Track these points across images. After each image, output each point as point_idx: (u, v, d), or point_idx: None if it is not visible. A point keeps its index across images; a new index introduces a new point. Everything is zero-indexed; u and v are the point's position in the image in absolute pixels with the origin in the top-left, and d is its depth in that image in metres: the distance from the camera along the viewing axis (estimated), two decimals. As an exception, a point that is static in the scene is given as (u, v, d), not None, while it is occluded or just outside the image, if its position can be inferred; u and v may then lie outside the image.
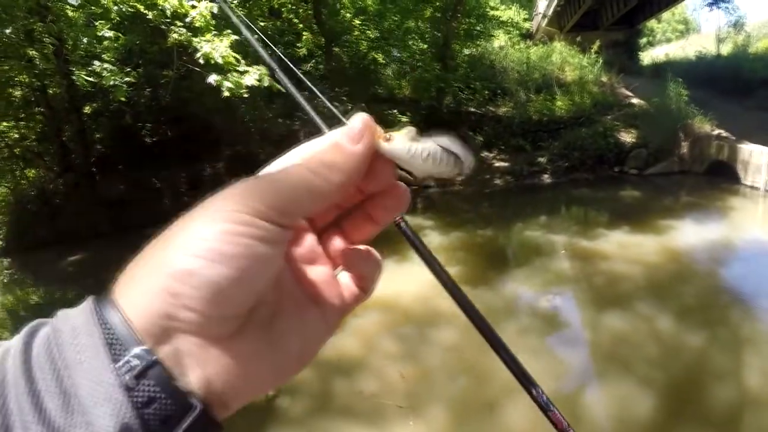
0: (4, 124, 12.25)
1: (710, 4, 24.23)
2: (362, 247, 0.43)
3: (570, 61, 18.37)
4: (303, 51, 14.45)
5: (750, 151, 11.44)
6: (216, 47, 6.92)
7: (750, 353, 5.29)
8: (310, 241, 0.42)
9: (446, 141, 0.39)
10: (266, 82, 7.11)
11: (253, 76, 7.06)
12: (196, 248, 0.31)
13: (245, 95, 7.29)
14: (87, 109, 12.93)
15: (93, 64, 8.52)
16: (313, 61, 15.00)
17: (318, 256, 0.42)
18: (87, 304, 0.33)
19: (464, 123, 15.44)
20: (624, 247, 8.23)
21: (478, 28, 16.73)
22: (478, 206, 12.70)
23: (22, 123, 12.66)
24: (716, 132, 13.20)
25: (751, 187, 11.26)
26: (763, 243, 8.80)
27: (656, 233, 8.91)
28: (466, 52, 17.35)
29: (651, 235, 8.82)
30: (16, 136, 12.76)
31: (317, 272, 0.41)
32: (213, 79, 6.80)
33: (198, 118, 12.77)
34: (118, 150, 13.16)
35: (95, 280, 9.74)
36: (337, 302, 0.41)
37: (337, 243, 0.43)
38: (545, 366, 5.16)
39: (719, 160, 12.40)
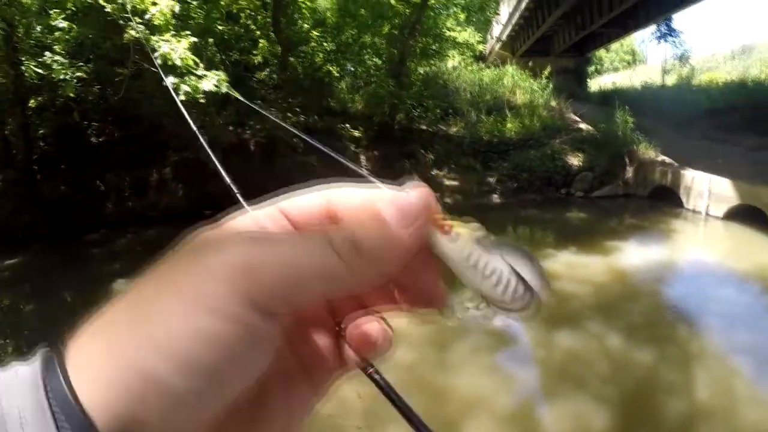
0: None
1: (658, 38, 25.17)
2: (375, 325, 0.35)
3: (521, 85, 18.70)
4: (258, 58, 14.15)
5: (692, 177, 11.79)
6: (175, 48, 6.64)
7: (697, 368, 5.41)
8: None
9: (518, 260, 0.29)
10: (224, 89, 6.88)
11: (211, 81, 6.84)
12: (166, 350, 0.25)
13: (201, 100, 7.03)
14: (32, 103, 12.21)
15: (44, 55, 8.05)
16: (268, 69, 14.70)
17: (316, 314, 0.34)
18: (37, 379, 0.25)
19: (416, 140, 15.47)
20: (572, 267, 8.25)
21: (434, 47, 16.79)
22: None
23: (-40, 111, 11.86)
24: (660, 158, 13.64)
25: (693, 211, 11.59)
26: (705, 264, 9.04)
27: (602, 254, 9.01)
28: (421, 70, 17.40)
29: (597, 255, 8.92)
30: (-49, 125, 11.94)
31: (314, 334, 0.34)
32: (170, 81, 6.49)
33: (147, 121, 12.23)
34: (61, 148, 12.43)
35: (32, 287, 9.19)
36: (331, 368, 0.35)
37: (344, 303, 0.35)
38: (499, 384, 5.17)
39: (662, 185, 12.76)
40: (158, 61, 6.76)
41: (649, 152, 13.81)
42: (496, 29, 24.70)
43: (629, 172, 13.79)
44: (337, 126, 15.15)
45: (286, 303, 0.27)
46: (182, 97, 6.82)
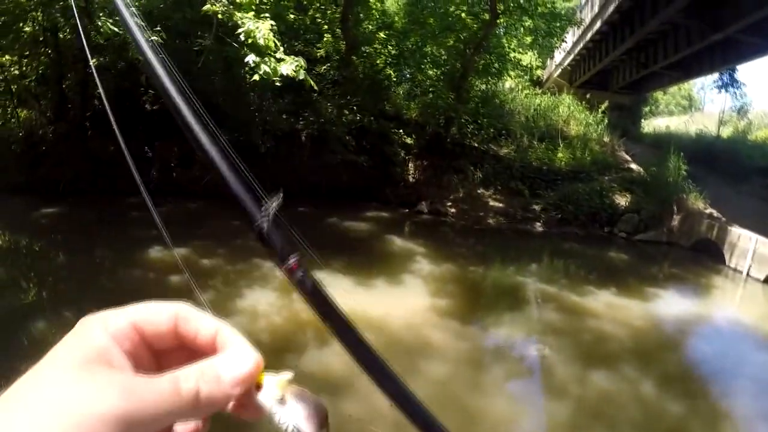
0: (7, 57, 11.81)
1: (719, 87, 24.54)
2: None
3: (576, 116, 18.59)
4: (321, 52, 14.31)
5: (738, 235, 11.57)
6: (259, 27, 6.72)
7: (726, 427, 5.44)
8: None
9: (307, 415, 0.41)
10: (301, 76, 6.93)
11: (290, 66, 6.89)
12: None
13: (277, 83, 7.10)
14: (94, 62, 12.53)
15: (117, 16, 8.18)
16: (329, 64, 14.85)
17: None
18: None
19: (466, 156, 15.45)
20: (611, 308, 8.22)
21: (496, 66, 16.77)
22: (469, 241, 12.69)
23: (26, 60, 12.24)
24: (708, 210, 13.44)
25: (734, 270, 11.38)
26: (742, 325, 8.93)
27: (642, 299, 8.94)
28: (480, 87, 17.41)
29: (637, 299, 8.85)
30: (16, 72, 12.33)
31: None
32: (252, 59, 6.59)
33: (204, 97, 12.38)
34: (115, 111, 12.69)
35: (64, 237, 9.43)
36: None
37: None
38: (531, 412, 5.14)
39: (707, 238, 12.52)
40: (241, 38, 6.84)
41: (698, 203, 13.64)
42: (558, 56, 24.57)
43: (675, 220, 13.58)
44: (390, 130, 15.23)
45: None
46: (256, 78, 6.90)
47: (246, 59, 6.72)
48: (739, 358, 7.47)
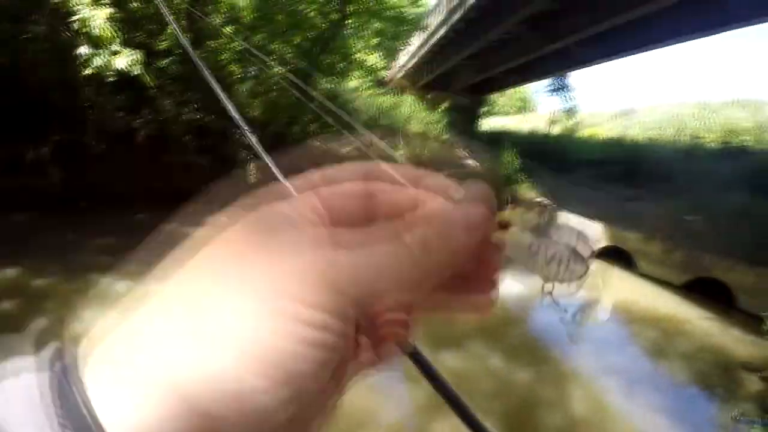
0: None
1: (551, 90, 26.71)
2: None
3: (417, 116, 19.21)
4: (164, 45, 13.50)
5: (566, 218, 12.81)
6: (95, 15, 6.15)
7: (572, 385, 5.95)
8: None
9: (575, 238, 0.33)
10: (137, 71, 6.48)
11: (125, 60, 6.42)
12: (263, 363, 0.22)
13: (111, 78, 6.58)
14: None
15: None
16: (171, 58, 14.03)
17: None
18: (47, 398, 0.20)
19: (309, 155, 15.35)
20: (454, 294, 8.64)
21: (341, 65, 16.93)
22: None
23: None
24: (538, 199, 14.54)
25: None
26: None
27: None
28: (325, 86, 17.47)
29: (478, 281, 9.35)
30: None
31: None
32: (84, 50, 6.05)
33: (33, 92, 11.26)
34: None
35: None
36: (357, 361, 0.33)
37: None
38: (390, 401, 5.23)
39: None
40: (75, 26, 6.24)
41: (530, 192, 14.79)
42: (403, 58, 25.37)
43: (509, 208, 14.60)
44: (232, 130, 14.71)
45: (361, 305, 0.25)
46: (89, 71, 6.37)
47: (78, 50, 6.12)
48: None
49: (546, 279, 0.32)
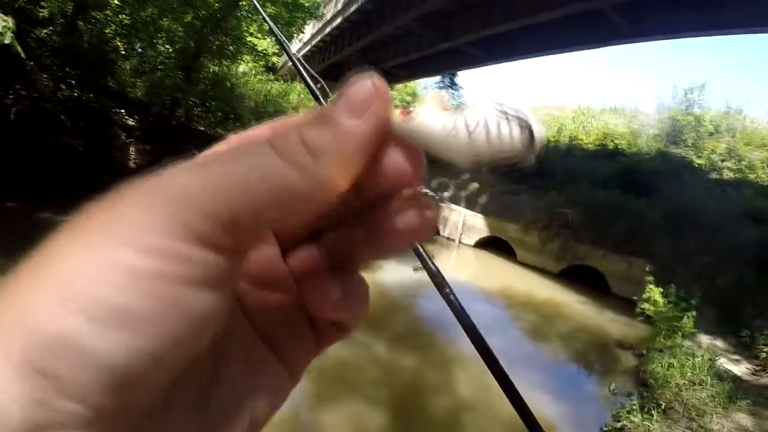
0: None
1: (440, 87, 27.84)
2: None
3: (306, 104, 19.06)
4: (45, 13, 12.23)
5: (450, 211, 13.48)
6: None
7: (457, 369, 5.98)
8: (269, 253, 0.27)
9: (496, 106, 0.24)
10: (7, 40, 5.75)
11: None
12: (78, 298, 0.18)
13: None
14: None
15: None
16: (51, 28, 12.74)
17: (280, 278, 0.27)
18: None
19: (192, 140, 14.61)
20: (338, 287, 8.54)
21: (231, 48, 16.34)
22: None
23: None
24: (424, 191, 15.05)
25: (448, 239, 13.51)
26: (458, 283, 10.09)
27: (365, 273, 9.43)
28: (212, 69, 16.78)
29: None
30: None
31: (278, 302, 0.27)
32: None
33: None
34: None
35: None
36: (303, 347, 0.28)
37: (310, 260, 0.27)
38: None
39: (422, 216, 14.34)
40: None
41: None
42: (295, 46, 25.01)
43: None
44: (111, 110, 13.66)
45: (236, 231, 0.21)
46: None
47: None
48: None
49: (468, 158, 0.24)
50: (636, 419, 4.83)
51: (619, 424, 4.93)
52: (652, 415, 4.84)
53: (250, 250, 0.23)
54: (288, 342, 0.28)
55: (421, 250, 0.88)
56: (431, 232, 0.27)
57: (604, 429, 5.00)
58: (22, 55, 7.32)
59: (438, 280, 0.86)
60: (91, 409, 0.18)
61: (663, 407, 5.01)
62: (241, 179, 0.21)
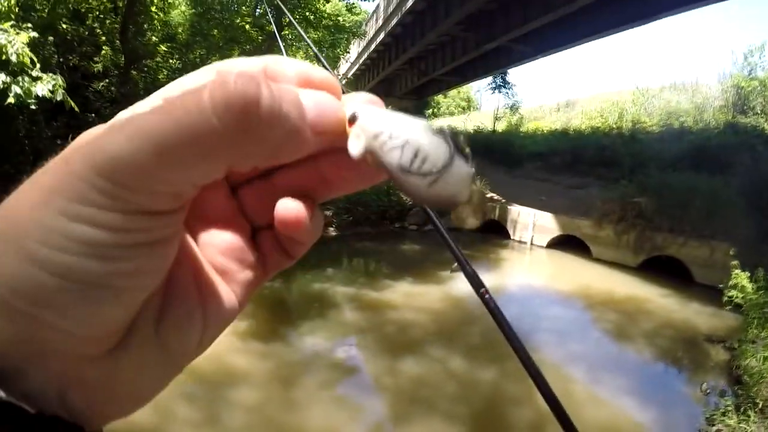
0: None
1: (493, 88, 27.37)
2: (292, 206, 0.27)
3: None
4: (99, 67, 12.90)
5: (518, 212, 13.22)
6: (12, 41, 5.75)
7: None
8: (218, 195, 0.29)
9: (436, 128, 0.25)
10: (59, 96, 6.08)
11: (46, 86, 6.02)
12: (30, 248, 0.21)
13: (33, 106, 6.17)
14: None
15: None
16: (107, 80, 13.42)
17: (229, 215, 0.30)
18: None
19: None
20: (410, 297, 8.43)
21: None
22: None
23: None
24: (489, 195, 14.67)
25: (519, 242, 13.03)
26: (533, 287, 9.84)
27: (438, 283, 9.28)
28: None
29: (433, 284, 9.17)
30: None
31: (225, 236, 0.29)
32: (1, 79, 5.62)
33: None
34: None
35: None
36: (250, 273, 0.30)
37: (257, 193, 0.30)
38: (350, 415, 5.06)
39: (492, 219, 13.85)
40: None
41: (480, 189, 14.81)
42: (344, 67, 25.33)
43: (461, 207, 14.63)
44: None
45: (161, 189, 0.21)
46: (11, 101, 6.01)
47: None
48: (535, 316, 8.10)
49: (402, 169, 0.24)
50: (731, 421, 4.48)
51: (713, 429, 4.56)
52: (749, 416, 4.46)
53: (189, 199, 0.23)
54: (236, 268, 0.29)
55: (457, 251, 0.95)
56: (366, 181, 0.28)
57: (698, 434, 4.65)
58: (76, 109, 7.68)
59: (474, 280, 0.92)
60: (55, 339, 0.22)
61: (760, 406, 4.61)
62: (162, 131, 0.20)
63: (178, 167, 0.21)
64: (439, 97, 37.99)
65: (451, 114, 39.74)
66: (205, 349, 0.29)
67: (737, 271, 6.81)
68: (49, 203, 0.21)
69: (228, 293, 0.29)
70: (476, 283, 0.92)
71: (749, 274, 6.74)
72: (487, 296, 0.90)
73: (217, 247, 0.29)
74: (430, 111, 33.78)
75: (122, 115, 0.24)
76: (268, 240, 0.30)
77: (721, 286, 7.09)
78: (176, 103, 0.20)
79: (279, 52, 13.42)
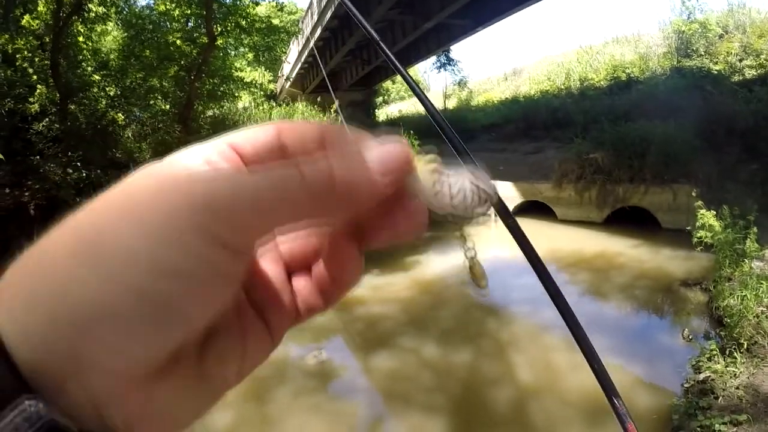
0: None
1: (438, 67, 27.51)
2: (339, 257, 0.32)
3: (310, 121, 18.95)
4: (36, 107, 12.29)
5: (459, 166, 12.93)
6: None
7: (514, 353, 5.62)
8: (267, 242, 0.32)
9: (472, 175, 0.31)
10: None
11: None
12: (118, 276, 0.22)
13: None
14: None
15: None
16: (47, 119, 12.77)
17: (268, 251, 0.32)
18: None
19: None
20: (377, 289, 8.11)
21: (222, 88, 16.21)
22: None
23: None
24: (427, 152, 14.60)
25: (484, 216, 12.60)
26: (501, 259, 9.58)
27: (404, 270, 9.08)
28: (209, 113, 16.67)
29: (400, 273, 8.94)
30: None
31: (267, 273, 0.32)
32: None
33: None
34: None
35: None
36: (288, 313, 0.32)
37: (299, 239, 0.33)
38: (331, 419, 4.78)
39: (450, 196, 13.70)
40: None
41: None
42: (287, 68, 24.89)
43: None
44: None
45: (249, 238, 0.24)
46: None
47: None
48: (506, 287, 7.77)
49: (453, 215, 0.32)
50: (718, 366, 4.26)
51: (701, 376, 4.33)
52: (735, 358, 4.26)
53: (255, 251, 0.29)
54: (273, 311, 0.31)
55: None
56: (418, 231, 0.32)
57: (686, 386, 4.40)
58: (3, 158, 7.21)
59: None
60: (114, 360, 0.23)
61: (746, 346, 4.42)
62: (262, 195, 0.24)
63: (274, 220, 0.25)
64: (388, 84, 37.81)
65: (402, 99, 39.59)
66: (241, 381, 0.30)
67: (702, 211, 6.67)
68: (148, 234, 0.22)
69: (265, 330, 0.31)
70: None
71: (715, 213, 6.60)
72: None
73: (262, 285, 0.31)
74: (380, 99, 33.51)
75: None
76: (303, 283, 0.32)
77: (688, 228, 6.94)
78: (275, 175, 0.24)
79: (215, 63, 13.03)
